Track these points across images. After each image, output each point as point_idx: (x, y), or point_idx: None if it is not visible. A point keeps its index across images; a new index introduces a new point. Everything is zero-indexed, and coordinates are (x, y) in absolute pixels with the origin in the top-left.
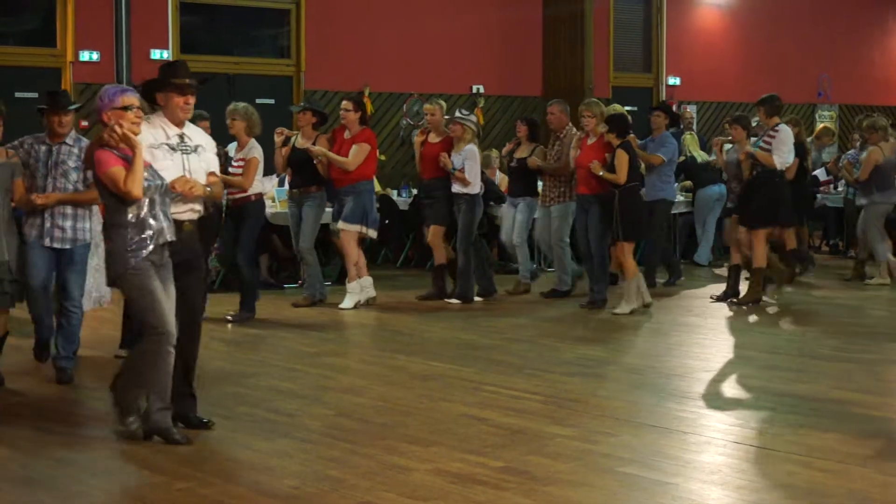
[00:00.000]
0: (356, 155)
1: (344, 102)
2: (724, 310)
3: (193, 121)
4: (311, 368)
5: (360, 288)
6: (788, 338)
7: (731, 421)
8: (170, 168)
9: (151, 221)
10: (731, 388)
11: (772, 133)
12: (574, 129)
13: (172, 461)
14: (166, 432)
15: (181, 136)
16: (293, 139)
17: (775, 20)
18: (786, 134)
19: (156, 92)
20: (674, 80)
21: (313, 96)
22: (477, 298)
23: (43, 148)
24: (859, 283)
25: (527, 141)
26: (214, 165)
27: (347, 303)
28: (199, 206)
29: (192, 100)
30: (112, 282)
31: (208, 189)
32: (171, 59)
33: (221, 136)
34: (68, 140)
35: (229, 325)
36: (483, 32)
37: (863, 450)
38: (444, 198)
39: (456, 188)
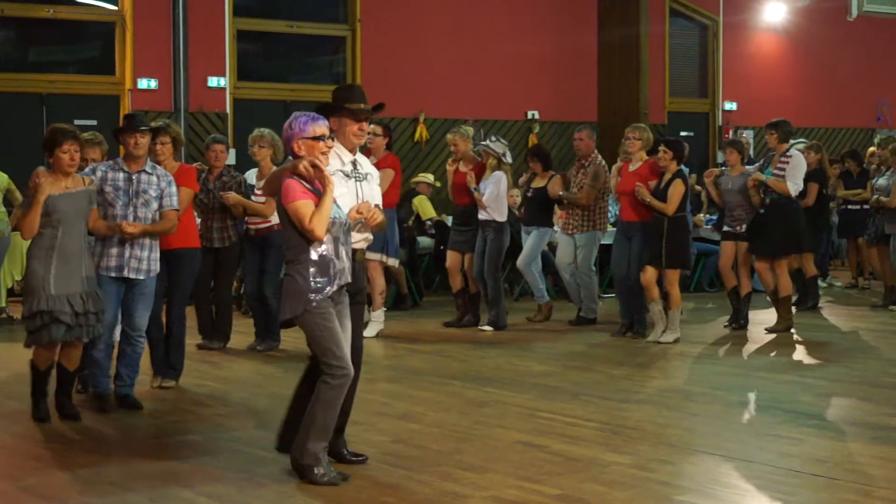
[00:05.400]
0: (382, 181)
1: (372, 126)
2: (775, 337)
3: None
4: (366, 395)
5: (382, 317)
6: (848, 365)
7: (790, 449)
8: (344, 195)
9: (335, 260)
10: (789, 416)
11: (784, 159)
12: (599, 158)
13: (227, 486)
14: (314, 473)
15: (354, 164)
16: None
17: (833, 44)
18: (799, 159)
19: (329, 116)
20: (730, 106)
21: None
22: (487, 328)
23: (121, 175)
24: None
25: (542, 172)
26: (378, 196)
27: (370, 331)
28: (371, 236)
29: (366, 126)
30: (288, 321)
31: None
32: (227, 86)
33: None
34: (147, 168)
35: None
36: (538, 58)
37: None
38: (477, 226)
39: (483, 215)
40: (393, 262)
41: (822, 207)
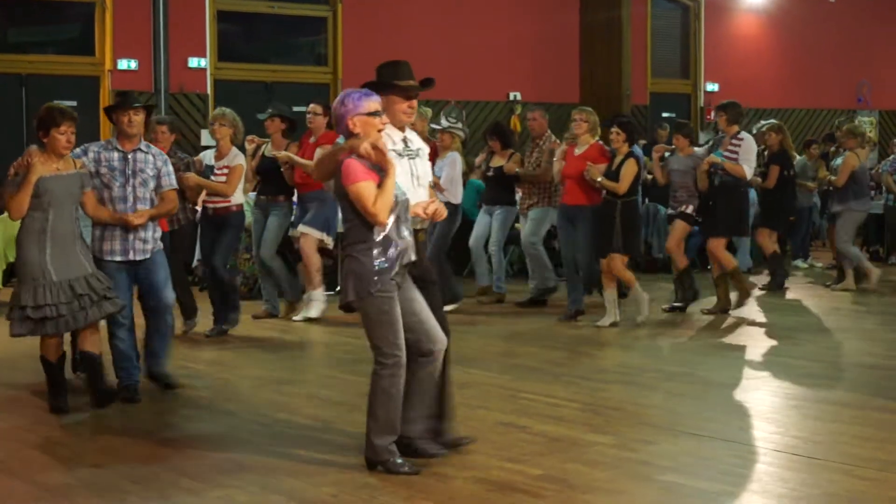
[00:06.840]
0: (317, 157)
1: (311, 106)
2: (754, 318)
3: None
4: (349, 375)
5: (324, 297)
6: (828, 345)
7: (771, 429)
8: (399, 175)
9: (397, 240)
10: (770, 396)
11: (735, 142)
12: (553, 137)
13: (210, 468)
14: (391, 464)
15: (405, 141)
16: (263, 147)
17: (814, 26)
18: (750, 142)
19: (378, 94)
20: (712, 87)
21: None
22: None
23: (116, 155)
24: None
25: (500, 150)
26: (430, 173)
27: (314, 312)
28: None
29: (415, 104)
30: (348, 305)
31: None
32: (208, 67)
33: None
34: (142, 146)
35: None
36: (520, 40)
37: None
38: None
39: (439, 197)
40: (330, 242)
41: (785, 188)
